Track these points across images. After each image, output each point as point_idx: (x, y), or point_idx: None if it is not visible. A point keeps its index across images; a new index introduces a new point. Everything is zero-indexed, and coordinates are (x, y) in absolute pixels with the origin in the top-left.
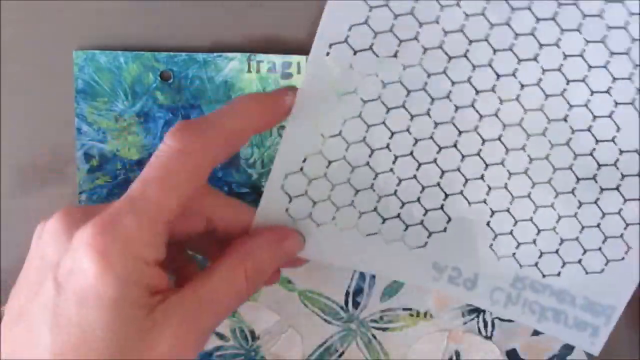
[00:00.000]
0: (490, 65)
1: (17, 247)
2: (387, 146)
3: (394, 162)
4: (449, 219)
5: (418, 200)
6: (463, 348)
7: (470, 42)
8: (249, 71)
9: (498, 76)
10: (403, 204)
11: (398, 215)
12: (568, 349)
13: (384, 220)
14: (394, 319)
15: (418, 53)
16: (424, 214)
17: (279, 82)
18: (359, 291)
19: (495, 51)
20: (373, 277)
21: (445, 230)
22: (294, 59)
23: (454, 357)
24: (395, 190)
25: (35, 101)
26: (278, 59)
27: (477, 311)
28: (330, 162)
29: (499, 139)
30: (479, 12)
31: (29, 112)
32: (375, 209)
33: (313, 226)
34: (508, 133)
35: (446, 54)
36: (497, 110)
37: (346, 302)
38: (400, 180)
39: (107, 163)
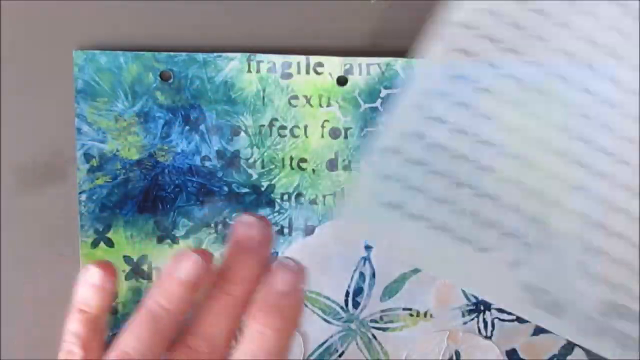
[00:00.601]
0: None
1: (17, 247)
2: (493, 141)
3: (498, 160)
4: (544, 231)
5: (514, 208)
6: (463, 348)
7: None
8: (249, 71)
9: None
10: (499, 210)
11: (491, 223)
12: (568, 349)
13: (476, 225)
14: (394, 319)
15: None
16: (519, 223)
17: (278, 82)
18: (359, 291)
19: None
20: (373, 277)
21: (538, 244)
22: (294, 59)
23: (454, 357)
24: (493, 194)
25: (35, 101)
26: (278, 59)
27: (477, 311)
28: (432, 145)
29: (605, 150)
30: None
31: (29, 112)
32: (470, 212)
33: (406, 217)
34: (615, 144)
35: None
36: (610, 123)
37: (346, 302)
38: (499, 183)
39: (107, 163)
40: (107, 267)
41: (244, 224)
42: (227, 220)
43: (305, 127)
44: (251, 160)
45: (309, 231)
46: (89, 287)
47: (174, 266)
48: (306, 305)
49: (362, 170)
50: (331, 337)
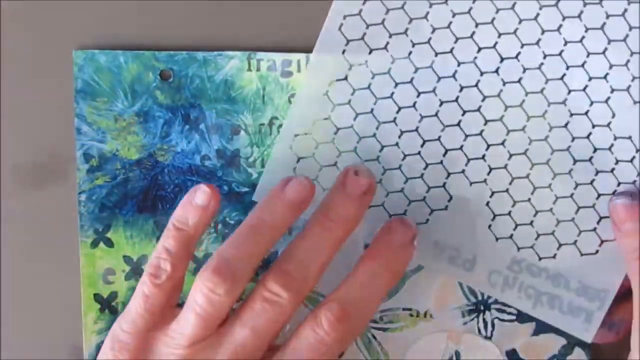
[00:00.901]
0: (494, 48)
1: (17, 247)
2: (394, 120)
3: (399, 137)
4: (450, 198)
5: (421, 176)
6: (463, 348)
7: (477, 24)
8: (249, 69)
9: (502, 59)
10: (407, 179)
11: (401, 190)
12: (568, 349)
13: (388, 193)
14: (393, 319)
15: (427, 32)
16: (427, 191)
17: (279, 81)
18: None
19: (500, 34)
20: None
21: (446, 208)
22: (294, 57)
23: (454, 357)
24: (400, 165)
25: (35, 101)
26: (278, 57)
27: (477, 311)
28: (338, 129)
29: (501, 119)
30: None
31: (29, 112)
32: (380, 181)
33: (319, 189)
34: (509, 114)
35: (453, 34)
36: (500, 92)
37: None
38: (404, 155)
39: (106, 163)
40: (214, 190)
41: (353, 171)
42: (227, 219)
43: None
44: (251, 159)
45: None
46: (193, 206)
47: (282, 187)
48: (306, 305)
49: (277, 153)
50: None
